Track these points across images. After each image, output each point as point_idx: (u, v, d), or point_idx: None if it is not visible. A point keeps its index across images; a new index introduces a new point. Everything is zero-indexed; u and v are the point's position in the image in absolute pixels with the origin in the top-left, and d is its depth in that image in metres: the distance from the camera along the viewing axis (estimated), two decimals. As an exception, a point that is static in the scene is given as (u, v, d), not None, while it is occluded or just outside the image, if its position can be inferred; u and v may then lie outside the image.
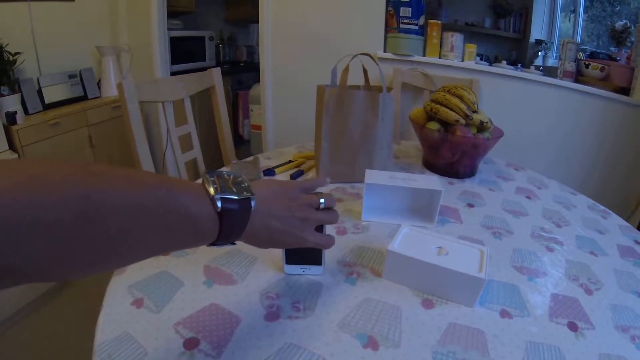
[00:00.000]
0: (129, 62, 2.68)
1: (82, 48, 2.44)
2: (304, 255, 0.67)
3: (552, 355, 0.56)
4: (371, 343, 0.56)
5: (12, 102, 1.85)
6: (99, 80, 2.49)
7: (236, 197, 0.42)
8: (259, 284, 0.66)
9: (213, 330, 0.56)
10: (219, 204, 0.40)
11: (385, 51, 2.07)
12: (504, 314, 0.64)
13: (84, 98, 2.32)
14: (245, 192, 0.43)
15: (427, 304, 0.64)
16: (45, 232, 0.27)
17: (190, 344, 0.53)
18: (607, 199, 1.61)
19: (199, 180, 0.44)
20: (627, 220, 1.06)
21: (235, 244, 0.47)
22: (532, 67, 2.03)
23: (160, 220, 0.36)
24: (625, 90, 1.80)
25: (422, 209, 0.93)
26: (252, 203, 0.44)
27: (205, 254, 0.73)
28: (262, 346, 0.54)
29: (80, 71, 2.31)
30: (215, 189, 0.41)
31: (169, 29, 2.62)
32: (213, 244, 0.43)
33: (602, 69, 1.84)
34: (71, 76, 2.25)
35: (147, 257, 0.39)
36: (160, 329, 0.56)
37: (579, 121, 1.88)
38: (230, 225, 0.42)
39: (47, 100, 2.07)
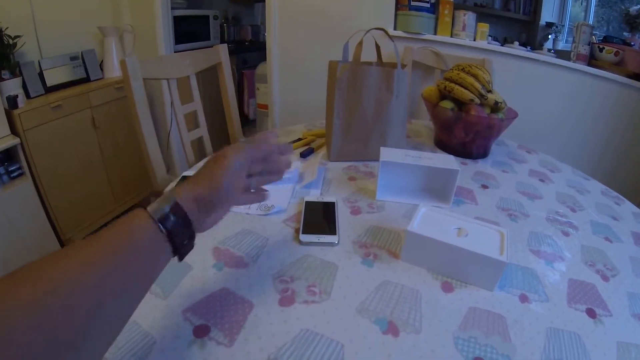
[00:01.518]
0: (132, 43, 2.61)
1: (83, 29, 2.37)
2: (319, 225, 0.74)
3: (572, 342, 0.55)
4: (391, 328, 0.54)
5: (13, 86, 1.81)
6: (102, 61, 2.42)
7: (167, 209, 0.42)
8: (271, 266, 0.64)
9: (224, 317, 0.54)
10: (161, 227, 0.41)
11: (395, 29, 2.01)
12: (524, 298, 0.62)
13: (86, 80, 2.27)
14: (171, 200, 0.44)
15: (447, 288, 0.63)
16: None
17: (201, 332, 0.51)
18: (618, 184, 1.59)
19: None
20: (638, 206, 1.04)
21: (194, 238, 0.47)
22: (544, 50, 1.98)
23: (128, 277, 0.38)
24: (638, 76, 1.77)
25: (438, 188, 0.91)
26: (173, 200, 0.44)
27: (214, 235, 0.71)
28: (276, 333, 0.52)
29: (82, 53, 2.25)
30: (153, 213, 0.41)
31: (172, 8, 2.55)
32: (176, 253, 0.44)
33: (616, 54, 1.80)
34: (73, 58, 2.20)
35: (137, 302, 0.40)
36: (169, 316, 0.54)
37: (591, 105, 1.85)
38: (178, 235, 0.43)
39: (48, 83, 2.03)
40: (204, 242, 0.69)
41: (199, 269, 0.63)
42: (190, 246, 0.46)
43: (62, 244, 2.02)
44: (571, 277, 0.69)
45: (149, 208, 0.42)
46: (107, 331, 0.36)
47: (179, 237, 0.43)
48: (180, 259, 0.46)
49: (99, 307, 0.34)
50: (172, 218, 0.42)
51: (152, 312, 0.54)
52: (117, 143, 2.37)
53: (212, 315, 0.54)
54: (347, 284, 0.62)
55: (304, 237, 0.70)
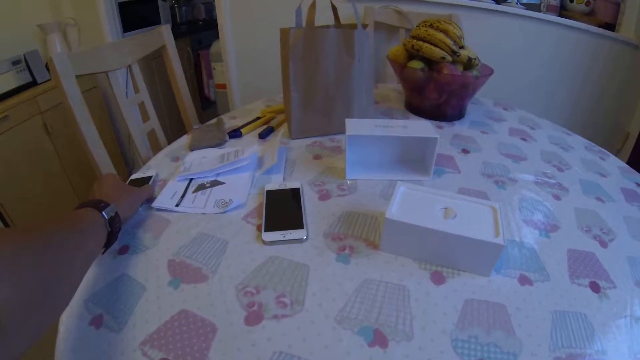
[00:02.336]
0: (77, 37, 2.40)
1: (22, 29, 2.16)
2: (283, 219, 0.65)
3: (579, 324, 0.50)
4: (378, 338, 0.46)
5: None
6: (47, 62, 2.21)
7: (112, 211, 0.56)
8: (233, 276, 0.54)
9: (186, 347, 0.45)
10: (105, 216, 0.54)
11: (353, -13, 1.88)
12: (524, 280, 0.55)
13: (33, 84, 2.07)
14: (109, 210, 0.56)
15: (437, 278, 0.54)
16: None
17: None
18: (594, 136, 1.57)
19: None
20: (617, 155, 1.01)
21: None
22: (513, 2, 1.90)
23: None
24: (610, 26, 1.74)
25: (415, 159, 0.82)
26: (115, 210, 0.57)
27: (168, 244, 0.61)
28: (246, 360, 0.43)
29: (24, 55, 2.04)
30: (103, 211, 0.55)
31: (115, -6, 2.36)
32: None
33: (587, 4, 1.76)
34: (15, 62, 2.00)
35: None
36: (125, 353, 0.45)
37: (564, 57, 1.81)
38: (114, 222, 0.56)
39: None
40: (158, 255, 0.59)
41: (154, 289, 0.53)
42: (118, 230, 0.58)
43: None
44: (570, 247, 0.63)
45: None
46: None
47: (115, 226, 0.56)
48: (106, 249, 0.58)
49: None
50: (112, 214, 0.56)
51: (107, 350, 0.45)
52: (74, 146, 2.19)
53: (173, 346, 0.45)
54: (322, 289, 0.52)
55: (267, 236, 0.60)
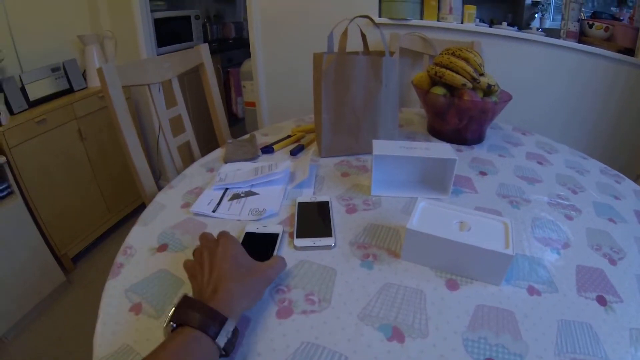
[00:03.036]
0: (114, 49, 2.55)
1: (63, 39, 2.31)
2: (313, 228, 0.70)
3: (584, 333, 0.53)
4: (396, 335, 0.51)
5: (-6, 104, 1.75)
6: (84, 70, 2.36)
7: (227, 332, 0.45)
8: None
9: None
10: (221, 345, 0.44)
11: (380, 16, 1.96)
12: (532, 290, 0.60)
13: (70, 91, 2.21)
14: (219, 316, 0.45)
15: (452, 285, 0.60)
16: None
17: None
18: (614, 161, 1.58)
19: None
20: (636, 181, 1.02)
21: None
22: (533, 29, 1.95)
23: None
24: (629, 51, 1.75)
25: (435, 179, 0.88)
26: (234, 324, 0.46)
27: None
28: (276, 348, 0.49)
29: (63, 63, 2.18)
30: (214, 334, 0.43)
31: (152, 11, 2.49)
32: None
33: (606, 29, 1.77)
34: (54, 70, 2.14)
35: None
36: (163, 338, 0.50)
37: (584, 82, 1.82)
38: (231, 346, 0.46)
39: (31, 98, 1.97)
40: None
41: None
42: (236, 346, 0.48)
43: (57, 259, 1.98)
44: (579, 264, 0.67)
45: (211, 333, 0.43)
46: None
47: (231, 346, 0.46)
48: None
49: None
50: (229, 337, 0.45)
51: (146, 334, 0.51)
52: (105, 153, 2.32)
53: None
54: (347, 290, 0.58)
55: (299, 242, 0.67)
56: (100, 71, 0.93)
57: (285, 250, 0.67)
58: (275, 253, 0.64)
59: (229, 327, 0.44)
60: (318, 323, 0.53)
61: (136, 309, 0.55)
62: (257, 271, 0.54)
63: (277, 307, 0.55)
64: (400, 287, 0.59)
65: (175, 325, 0.44)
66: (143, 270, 0.62)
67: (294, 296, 0.57)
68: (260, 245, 0.66)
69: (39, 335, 1.74)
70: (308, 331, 0.52)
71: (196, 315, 0.43)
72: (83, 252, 2.23)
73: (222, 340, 0.43)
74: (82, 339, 1.68)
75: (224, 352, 0.44)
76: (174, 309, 0.45)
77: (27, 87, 1.95)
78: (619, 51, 1.75)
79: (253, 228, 0.71)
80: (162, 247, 0.67)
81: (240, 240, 0.67)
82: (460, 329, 0.52)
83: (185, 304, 0.45)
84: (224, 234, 0.58)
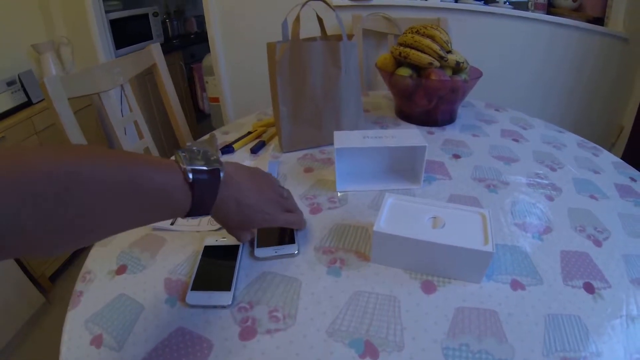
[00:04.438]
0: (71, 55, 2.42)
1: (16, 50, 2.18)
2: (275, 235, 0.64)
3: (573, 327, 0.49)
4: (369, 350, 0.46)
5: (-53, 126, 1.64)
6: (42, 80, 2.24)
7: (205, 168, 0.44)
8: (227, 295, 0.54)
9: None
10: (190, 175, 0.43)
11: (341, -3, 1.89)
12: (516, 285, 0.55)
13: (28, 104, 2.09)
14: (214, 164, 0.46)
15: (428, 288, 0.54)
16: (32, 206, 0.30)
17: None
18: (588, 131, 1.58)
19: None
20: (609, 151, 1.01)
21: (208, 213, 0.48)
22: (500, 2, 1.91)
23: (135, 195, 0.39)
24: (599, 20, 1.74)
25: (405, 168, 0.82)
26: (221, 174, 0.46)
27: (165, 263, 0.61)
28: (242, 374, 0.43)
29: (18, 75, 2.07)
30: (186, 161, 0.43)
31: (107, 12, 2.37)
32: (187, 214, 0.45)
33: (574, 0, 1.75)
34: (10, 83, 2.02)
35: (125, 229, 0.41)
36: None
37: (554, 54, 1.81)
38: (201, 194, 0.45)
39: None
40: (155, 273, 0.59)
41: (151, 307, 0.53)
42: (199, 214, 0.47)
43: (34, 281, 1.89)
44: (563, 249, 0.63)
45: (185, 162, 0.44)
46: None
47: (199, 209, 0.45)
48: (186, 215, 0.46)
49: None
50: (205, 177, 0.45)
51: None
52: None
53: None
54: (313, 303, 0.52)
55: (260, 252, 0.60)
56: (42, 85, 0.86)
57: (246, 263, 0.60)
58: (236, 266, 0.59)
59: (214, 164, 0.46)
60: (284, 343, 0.47)
61: (97, 341, 0.49)
62: (274, 202, 0.58)
63: (239, 328, 0.49)
64: (372, 294, 0.53)
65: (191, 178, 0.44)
66: (102, 296, 0.56)
67: (257, 314, 0.51)
68: (221, 259, 0.61)
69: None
70: (274, 352, 0.46)
71: (207, 196, 0.46)
72: (60, 269, 2.14)
73: (193, 169, 0.43)
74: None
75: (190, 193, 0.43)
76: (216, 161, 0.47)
77: (-18, 105, 1.83)
78: (589, 21, 1.75)
79: (212, 241, 0.65)
80: (121, 269, 0.61)
81: (199, 254, 0.62)
82: (440, 337, 0.47)
83: (216, 176, 0.46)
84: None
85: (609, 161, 0.94)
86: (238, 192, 0.51)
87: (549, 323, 0.49)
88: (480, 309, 0.51)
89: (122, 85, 1.09)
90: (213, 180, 0.46)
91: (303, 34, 0.91)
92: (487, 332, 0.48)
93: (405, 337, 0.47)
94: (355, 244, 0.63)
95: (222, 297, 0.53)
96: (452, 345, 0.46)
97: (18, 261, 1.81)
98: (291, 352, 0.46)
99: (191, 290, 0.54)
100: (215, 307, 0.52)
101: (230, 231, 0.57)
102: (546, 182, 0.82)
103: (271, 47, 0.88)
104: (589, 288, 0.55)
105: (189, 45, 3.41)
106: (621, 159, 0.96)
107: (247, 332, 0.49)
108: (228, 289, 0.54)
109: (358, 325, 0.49)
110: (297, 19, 0.88)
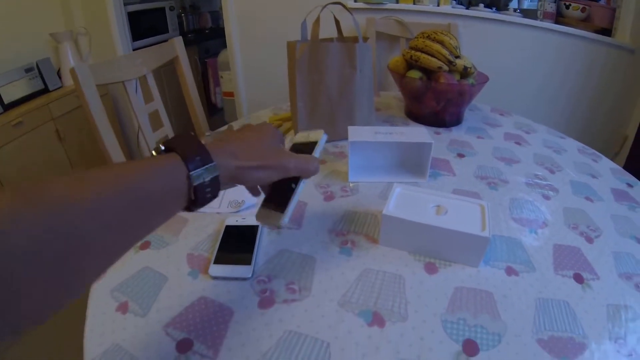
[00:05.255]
0: (88, 46, 2.48)
1: (35, 38, 2.24)
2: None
3: (561, 310, 0.54)
4: (376, 320, 0.51)
5: (-32, 109, 1.71)
6: (59, 69, 2.30)
7: (206, 175, 0.40)
8: (248, 269, 0.60)
9: (206, 328, 0.50)
10: (193, 183, 0.39)
11: (356, 0, 1.94)
12: (510, 271, 0.60)
13: (45, 91, 2.15)
14: (210, 166, 0.41)
15: (430, 269, 0.60)
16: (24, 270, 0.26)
17: (184, 346, 0.48)
18: (593, 140, 1.61)
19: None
20: (612, 160, 1.04)
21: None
22: (510, 10, 1.95)
23: (140, 211, 0.35)
24: (606, 31, 1.77)
25: (412, 163, 0.87)
26: (216, 172, 0.41)
27: (187, 241, 0.66)
28: (260, 338, 0.49)
29: (37, 63, 2.13)
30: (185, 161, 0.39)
31: (125, 4, 2.43)
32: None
33: (583, 10, 1.79)
34: (28, 70, 2.08)
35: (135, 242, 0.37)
36: (150, 334, 0.50)
37: (561, 63, 1.85)
38: (203, 193, 0.40)
39: (6, 100, 1.91)
40: (178, 250, 0.64)
41: (175, 279, 0.58)
42: (209, 200, 0.42)
43: None
44: (556, 243, 0.68)
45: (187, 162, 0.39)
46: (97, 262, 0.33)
47: (202, 203, 0.41)
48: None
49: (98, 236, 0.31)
50: (205, 178, 0.40)
51: (133, 332, 0.50)
52: (86, 152, 2.27)
53: (193, 327, 0.50)
54: (327, 278, 0.58)
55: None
56: (73, 72, 0.91)
57: (264, 241, 0.66)
58: (256, 245, 0.63)
59: (212, 170, 0.40)
60: (299, 311, 0.53)
61: (122, 308, 0.54)
62: (277, 151, 0.50)
63: (259, 298, 0.55)
64: (379, 272, 0.59)
65: (163, 149, 0.41)
66: (127, 269, 0.61)
67: (275, 286, 0.57)
68: (242, 237, 0.65)
69: (31, 346, 1.71)
70: (290, 320, 0.51)
71: (184, 144, 0.40)
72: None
73: (197, 179, 0.39)
74: (73, 343, 1.65)
75: (192, 197, 0.40)
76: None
77: (1, 90, 1.90)
78: (596, 31, 1.77)
79: (232, 221, 0.70)
80: (145, 245, 0.66)
81: (220, 234, 0.66)
82: (439, 311, 0.53)
83: (181, 135, 0.42)
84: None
85: (607, 167, 0.99)
86: (233, 160, 0.44)
87: (540, 306, 0.54)
88: (477, 289, 0.56)
89: (144, 76, 1.15)
90: (212, 180, 0.41)
91: (320, 35, 0.96)
92: (482, 309, 0.53)
93: (408, 310, 0.53)
94: (365, 228, 0.69)
95: (243, 270, 0.58)
96: (450, 319, 0.51)
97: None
98: (305, 320, 0.51)
99: (213, 263, 0.59)
100: (236, 279, 0.58)
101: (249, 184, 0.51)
102: (544, 182, 0.87)
103: (291, 46, 0.94)
104: (579, 278, 0.60)
105: (203, 40, 3.46)
106: (623, 167, 0.99)
107: (266, 302, 0.54)
108: (249, 263, 0.59)
109: (367, 298, 0.54)
110: (317, 21, 0.93)
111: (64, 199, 0.29)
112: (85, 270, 0.31)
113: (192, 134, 0.44)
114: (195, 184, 0.39)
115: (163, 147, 0.41)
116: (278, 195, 0.54)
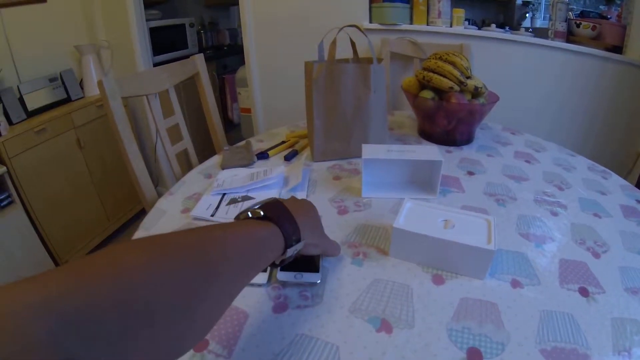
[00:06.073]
0: (110, 59, 2.58)
1: (60, 50, 2.35)
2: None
3: (565, 322, 0.55)
4: (384, 326, 0.54)
5: (-7, 114, 1.78)
6: (81, 80, 2.40)
7: (295, 250, 0.52)
8: (263, 275, 0.64)
9: (221, 329, 0.54)
10: (286, 255, 0.50)
11: (371, 22, 2.00)
12: (515, 283, 0.62)
13: (67, 100, 2.24)
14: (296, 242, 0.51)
15: (438, 280, 0.63)
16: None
17: (200, 345, 0.51)
18: (605, 158, 1.61)
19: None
20: (625, 178, 1.05)
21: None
22: (522, 29, 1.98)
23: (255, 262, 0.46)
24: (617, 49, 1.78)
25: (423, 180, 0.91)
26: (301, 247, 0.53)
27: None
28: (273, 340, 0.52)
29: (60, 73, 2.22)
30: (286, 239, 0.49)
31: (147, 20, 2.53)
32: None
33: (593, 28, 1.80)
34: (52, 80, 2.17)
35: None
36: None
37: (573, 81, 1.85)
38: (283, 262, 0.53)
39: (29, 108, 2.00)
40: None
41: None
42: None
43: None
44: (562, 257, 0.69)
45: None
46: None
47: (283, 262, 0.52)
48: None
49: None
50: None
51: None
52: (104, 161, 2.35)
53: None
54: (338, 286, 0.61)
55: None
56: (100, 84, 0.97)
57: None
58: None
59: (298, 247, 0.52)
60: (311, 316, 0.56)
61: None
62: (323, 234, 0.63)
63: (272, 303, 0.58)
64: (389, 282, 0.62)
65: (262, 214, 0.50)
66: None
67: (289, 292, 0.60)
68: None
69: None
70: (302, 324, 0.55)
71: (286, 220, 0.50)
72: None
73: (290, 253, 0.50)
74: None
75: (277, 263, 0.51)
76: (262, 202, 0.52)
77: (25, 97, 1.98)
78: (607, 49, 1.77)
79: None
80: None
81: None
82: (445, 320, 0.55)
83: (276, 205, 0.52)
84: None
85: (617, 184, 0.99)
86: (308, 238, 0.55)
87: (544, 317, 0.56)
88: (482, 300, 0.59)
89: (165, 90, 1.20)
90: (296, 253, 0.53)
91: (336, 55, 1.01)
92: (487, 319, 0.55)
93: (416, 317, 0.56)
94: (376, 241, 0.72)
95: (313, 277, 0.62)
96: (455, 327, 0.54)
97: (45, 246, 1.92)
98: (317, 324, 0.55)
99: (280, 270, 0.63)
100: (304, 284, 0.62)
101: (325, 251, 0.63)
102: (552, 199, 0.89)
103: (309, 66, 0.99)
104: (584, 292, 0.61)
105: (221, 56, 3.55)
106: (635, 185, 1.00)
107: (280, 307, 0.58)
108: (317, 270, 0.63)
109: (376, 305, 0.58)
110: (334, 42, 0.98)
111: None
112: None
113: (283, 205, 0.53)
114: (287, 256, 0.50)
115: (261, 213, 0.50)
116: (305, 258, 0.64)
